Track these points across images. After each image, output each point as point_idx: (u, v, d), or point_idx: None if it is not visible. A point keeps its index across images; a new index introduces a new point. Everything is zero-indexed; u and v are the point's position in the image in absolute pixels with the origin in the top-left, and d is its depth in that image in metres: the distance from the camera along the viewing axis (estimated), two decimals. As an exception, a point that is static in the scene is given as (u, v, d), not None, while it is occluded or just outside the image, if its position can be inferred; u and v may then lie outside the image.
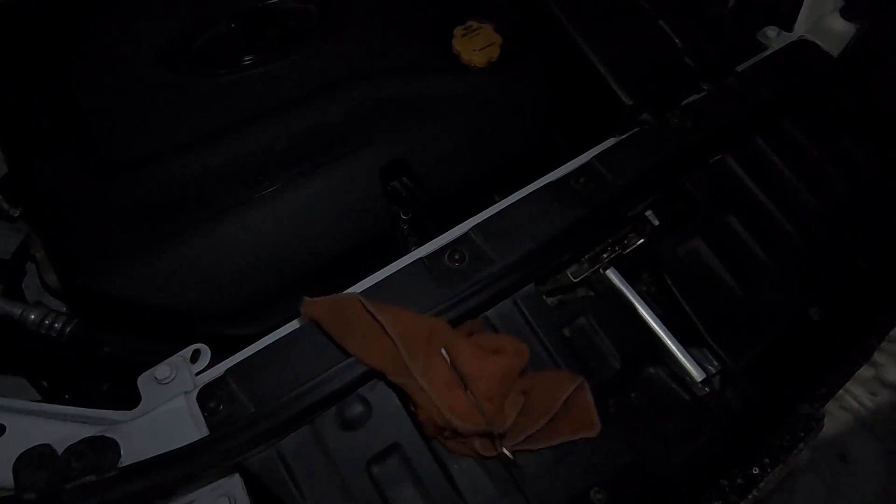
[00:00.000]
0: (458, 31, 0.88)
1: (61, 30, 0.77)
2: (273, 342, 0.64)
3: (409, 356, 0.55)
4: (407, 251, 0.86)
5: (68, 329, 0.70)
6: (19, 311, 0.69)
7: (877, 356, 1.81)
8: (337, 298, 0.61)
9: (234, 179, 0.71)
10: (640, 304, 0.72)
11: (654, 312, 0.73)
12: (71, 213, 0.66)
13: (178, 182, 0.69)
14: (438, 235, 0.90)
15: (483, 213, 0.77)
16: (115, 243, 0.65)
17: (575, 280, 0.74)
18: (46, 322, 0.70)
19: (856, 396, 1.82)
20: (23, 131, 0.70)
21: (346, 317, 0.58)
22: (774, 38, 1.03)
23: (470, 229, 0.72)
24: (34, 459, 0.52)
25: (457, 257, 0.70)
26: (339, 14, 0.84)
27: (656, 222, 0.81)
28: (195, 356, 0.67)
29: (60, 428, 0.57)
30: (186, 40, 0.78)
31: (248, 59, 0.78)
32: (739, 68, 0.93)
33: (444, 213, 0.86)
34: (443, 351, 0.56)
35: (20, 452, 0.53)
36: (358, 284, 0.71)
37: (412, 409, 0.60)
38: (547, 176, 0.82)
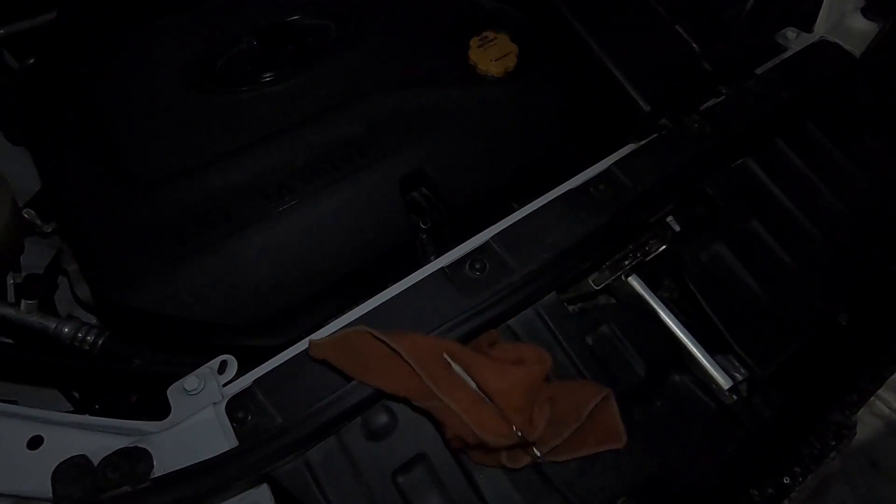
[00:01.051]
0: (474, 41, 0.88)
1: (92, 51, 0.80)
2: (298, 353, 0.65)
3: (430, 379, 0.55)
4: (426, 260, 0.87)
5: (100, 342, 0.73)
6: (54, 325, 0.71)
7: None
8: (344, 335, 0.60)
9: (258, 194, 0.72)
10: (662, 311, 0.71)
11: (678, 319, 0.73)
12: (102, 229, 0.68)
13: (204, 198, 0.71)
14: (457, 244, 0.92)
15: (503, 221, 0.77)
16: (144, 258, 0.67)
17: (596, 288, 0.74)
18: (79, 335, 0.72)
19: (888, 402, 1.77)
20: (56, 150, 0.73)
21: (358, 351, 0.58)
22: (794, 39, 1.02)
23: (490, 238, 0.73)
24: (71, 470, 0.54)
25: (478, 266, 0.70)
26: (356, 29, 0.85)
27: (678, 228, 0.80)
28: (222, 367, 0.69)
29: (95, 439, 0.59)
30: (211, 59, 0.80)
31: (269, 76, 0.80)
32: (759, 70, 0.92)
33: (463, 222, 0.87)
34: (462, 372, 0.56)
35: (58, 463, 0.55)
36: (380, 295, 0.71)
37: (440, 429, 0.59)
38: (566, 183, 0.82)
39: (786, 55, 0.95)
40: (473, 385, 0.56)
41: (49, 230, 0.92)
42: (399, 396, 0.59)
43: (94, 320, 0.95)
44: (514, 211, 0.79)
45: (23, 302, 0.69)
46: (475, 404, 0.54)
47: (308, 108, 0.78)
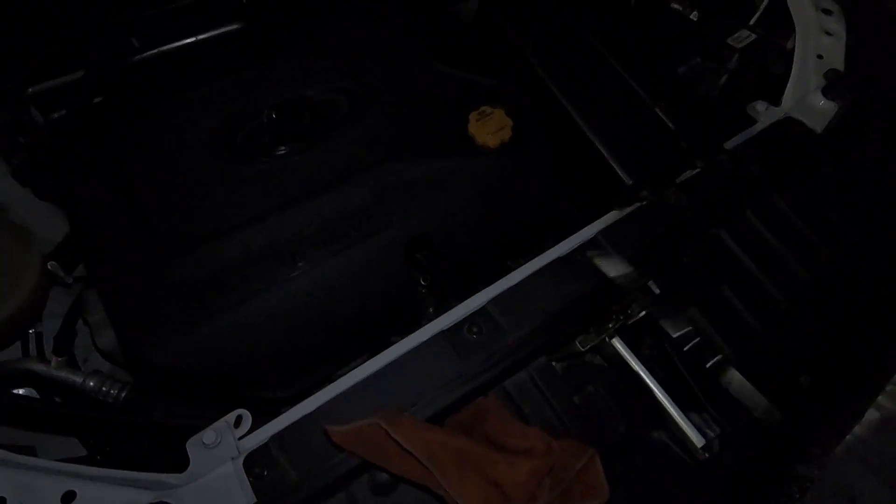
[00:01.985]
0: (473, 115, 0.97)
1: (124, 117, 0.87)
2: (310, 412, 0.71)
3: (442, 477, 0.60)
4: (425, 313, 0.94)
5: (122, 395, 0.78)
6: (81, 380, 0.76)
7: (882, 399, 1.84)
8: (360, 428, 0.64)
9: (273, 260, 0.79)
10: (643, 372, 0.78)
11: (657, 379, 0.80)
12: (131, 290, 0.74)
13: (224, 262, 0.77)
14: (454, 298, 0.98)
15: (498, 283, 0.84)
16: (169, 318, 0.73)
17: (583, 349, 0.80)
18: (104, 388, 0.77)
19: (863, 440, 1.84)
20: (89, 212, 0.79)
21: (375, 441, 0.63)
22: (763, 112, 1.12)
23: (486, 303, 0.80)
24: (104, 525, 0.59)
25: (475, 330, 0.77)
26: (366, 104, 0.94)
27: (657, 291, 0.88)
28: (238, 421, 0.74)
29: (123, 493, 0.64)
30: (233, 130, 0.87)
31: (285, 148, 0.88)
32: (730, 144, 1.02)
33: (461, 279, 0.94)
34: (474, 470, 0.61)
35: (90, 517, 0.60)
36: (385, 353, 0.78)
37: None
38: (556, 247, 0.90)
39: (754, 131, 1.05)
40: (485, 481, 0.60)
41: (70, 281, 0.98)
42: (420, 483, 0.63)
43: (110, 367, 1.00)
44: (510, 267, 0.87)
45: (54, 359, 0.75)
46: (487, 495, 0.59)
47: (320, 178, 0.86)
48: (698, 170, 0.98)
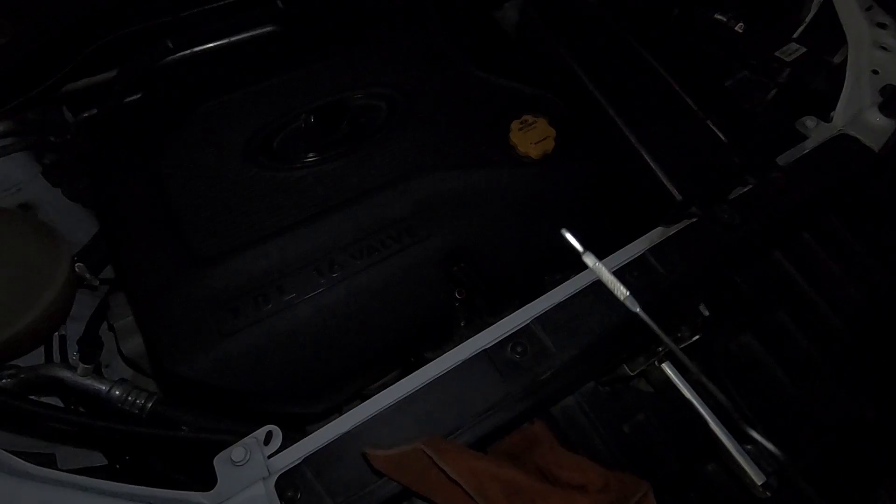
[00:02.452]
0: (514, 124, 0.94)
1: (159, 120, 0.85)
2: (345, 433, 0.67)
3: None
4: (457, 327, 0.91)
5: (149, 406, 0.75)
6: (107, 389, 0.73)
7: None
8: (403, 453, 0.60)
9: (310, 270, 0.76)
10: (696, 401, 0.74)
11: (710, 408, 0.75)
12: (163, 301, 0.71)
13: (259, 272, 0.74)
14: (488, 313, 0.94)
15: (540, 301, 0.80)
16: (201, 330, 0.70)
17: (632, 374, 0.76)
18: (129, 398, 0.74)
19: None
20: (122, 218, 0.77)
21: (418, 468, 0.59)
22: (813, 128, 1.07)
23: (531, 321, 0.76)
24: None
25: (519, 350, 0.73)
26: (405, 111, 0.91)
27: (706, 313, 0.84)
28: (268, 438, 0.70)
29: (151, 513, 0.60)
30: (269, 135, 0.85)
31: (323, 154, 0.85)
32: (781, 160, 0.97)
33: (496, 293, 0.91)
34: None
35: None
36: (423, 371, 0.74)
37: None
38: (602, 263, 0.86)
39: (808, 148, 1.00)
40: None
41: (97, 284, 0.96)
42: None
43: (132, 374, 0.97)
44: (548, 283, 0.83)
45: (80, 366, 0.72)
46: None
47: (359, 186, 0.82)
48: (750, 186, 0.94)
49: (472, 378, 0.71)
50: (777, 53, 1.18)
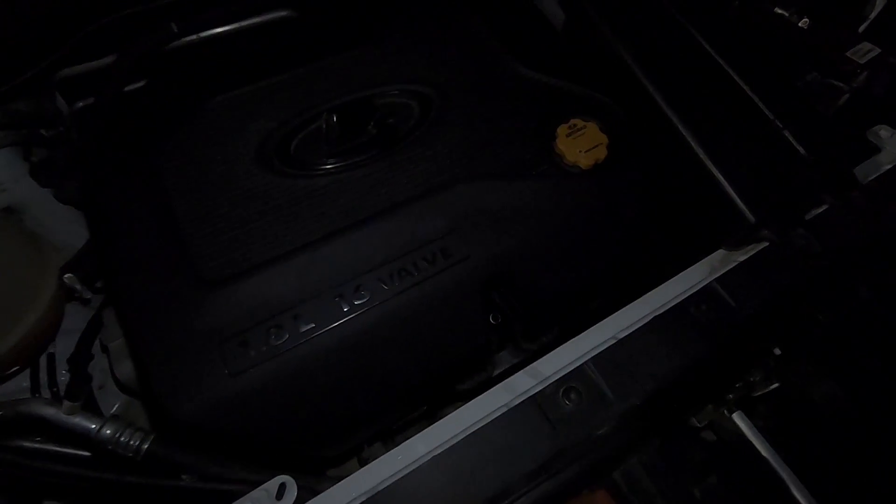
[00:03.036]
0: (561, 129, 0.83)
1: (161, 119, 0.75)
2: (373, 492, 0.58)
3: None
4: (490, 354, 0.81)
5: (144, 447, 0.65)
6: (96, 428, 0.64)
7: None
8: None
9: (332, 295, 0.66)
10: (775, 462, 0.64)
11: (790, 464, 0.65)
12: (163, 332, 0.61)
13: (275, 299, 0.64)
14: (525, 340, 0.84)
15: (591, 334, 0.70)
16: (208, 368, 0.60)
17: (699, 425, 0.66)
18: (122, 439, 0.65)
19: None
20: (118, 232, 0.67)
21: None
22: (888, 138, 0.96)
23: (585, 363, 0.66)
24: None
25: (572, 396, 0.63)
26: (440, 111, 0.80)
27: (779, 352, 0.74)
28: (280, 491, 0.61)
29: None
30: (287, 136, 0.74)
31: (347, 160, 0.74)
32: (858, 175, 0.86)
33: (536, 318, 0.81)
34: None
35: None
36: (459, 415, 0.64)
37: None
38: (659, 292, 0.76)
39: (882, 161, 0.89)
40: None
41: (89, 297, 0.86)
42: None
43: (125, 400, 0.88)
44: (597, 311, 0.73)
45: (66, 403, 0.62)
46: None
47: (388, 198, 0.72)
48: (825, 207, 0.84)
49: (519, 429, 0.61)
50: (848, 54, 1.06)
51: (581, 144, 0.82)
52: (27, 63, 0.80)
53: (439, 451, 0.60)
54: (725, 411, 0.67)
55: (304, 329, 0.64)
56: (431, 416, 0.87)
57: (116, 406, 0.86)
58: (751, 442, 0.65)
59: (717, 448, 0.67)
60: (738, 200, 0.77)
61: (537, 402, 0.63)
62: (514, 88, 0.84)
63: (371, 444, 0.78)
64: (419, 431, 0.61)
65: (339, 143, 0.75)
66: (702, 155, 0.79)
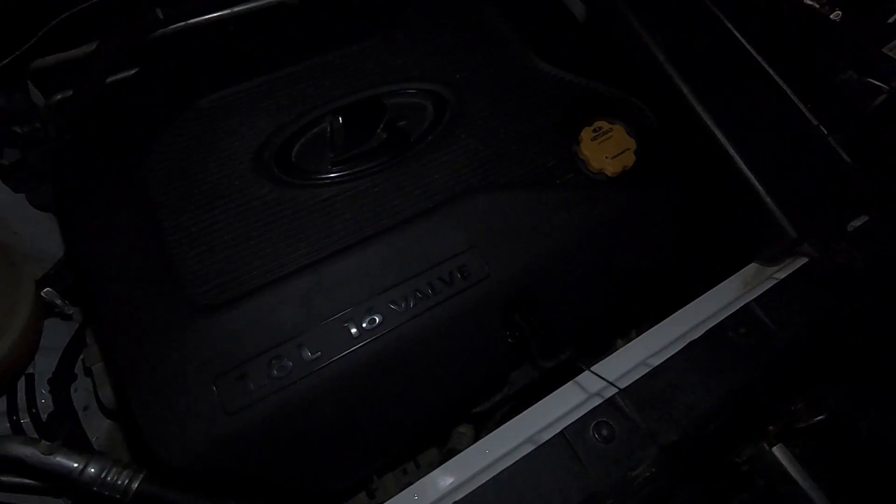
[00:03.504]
0: (586, 132, 0.76)
1: (147, 120, 0.67)
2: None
3: None
4: (507, 375, 0.76)
5: (134, 486, 0.59)
6: (79, 468, 0.57)
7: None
8: None
9: (341, 321, 0.59)
10: (820, 500, 0.59)
11: (831, 501, 0.61)
12: (151, 366, 0.55)
13: (276, 326, 0.58)
14: (542, 356, 0.79)
15: (620, 358, 0.65)
16: (201, 406, 0.54)
17: (737, 460, 0.61)
18: (109, 479, 0.58)
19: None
20: (99, 250, 0.59)
21: None
22: (927, 142, 0.90)
23: (617, 394, 0.60)
24: None
25: (604, 433, 0.58)
26: (455, 112, 0.73)
27: (821, 379, 0.69)
28: (284, 538, 0.56)
29: None
30: (288, 140, 0.67)
31: (354, 168, 0.67)
32: None
33: (556, 337, 0.75)
34: None
35: None
36: (481, 448, 0.59)
37: None
38: (689, 311, 0.70)
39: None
40: None
41: (70, 312, 0.79)
42: None
43: (108, 423, 0.82)
44: (621, 330, 0.68)
45: (43, 443, 0.56)
46: None
47: (399, 210, 0.65)
48: (866, 219, 0.78)
49: (548, 469, 0.56)
50: (885, 50, 1.00)
51: (607, 149, 0.75)
52: (-5, 55, 0.72)
53: (460, 493, 0.55)
54: (766, 445, 0.62)
55: (309, 359, 0.57)
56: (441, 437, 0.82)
57: (103, 430, 0.80)
58: (793, 478, 0.61)
59: (759, 488, 0.63)
60: (777, 212, 0.71)
61: (566, 439, 0.57)
62: (535, 87, 0.77)
63: (381, 475, 0.72)
64: (427, 457, 0.56)
65: (346, 148, 0.68)
66: (738, 161, 0.73)
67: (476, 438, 0.88)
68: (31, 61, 0.85)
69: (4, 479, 0.63)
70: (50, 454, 0.56)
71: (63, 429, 0.70)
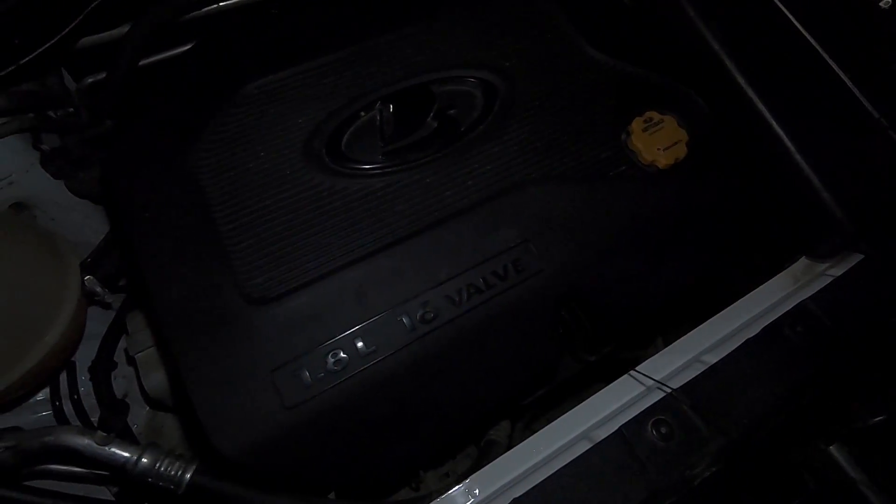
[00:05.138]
0: (637, 123, 0.74)
1: (197, 105, 0.65)
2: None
3: None
4: (556, 367, 0.75)
5: (187, 478, 0.59)
6: (133, 458, 0.57)
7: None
8: None
9: (397, 317, 0.58)
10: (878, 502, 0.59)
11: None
12: (210, 361, 0.54)
13: (332, 319, 0.57)
14: (587, 350, 0.78)
15: (674, 353, 0.64)
16: (260, 401, 0.53)
17: (795, 462, 0.61)
18: (162, 469, 0.58)
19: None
20: (152, 243, 0.58)
21: None
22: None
23: (674, 391, 0.59)
24: None
25: (663, 431, 0.57)
26: (505, 101, 0.71)
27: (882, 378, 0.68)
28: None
29: None
30: (337, 130, 0.65)
31: (405, 158, 0.65)
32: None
33: (603, 331, 0.74)
34: None
35: None
36: (534, 444, 0.59)
37: None
38: (740, 307, 0.69)
39: None
40: None
41: (110, 300, 0.78)
42: None
43: (148, 413, 0.82)
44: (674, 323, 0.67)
45: (98, 434, 0.56)
46: None
47: (452, 202, 0.64)
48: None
49: (608, 467, 0.55)
50: (938, 39, 0.97)
51: (659, 141, 0.73)
52: (33, 40, 0.70)
53: (519, 490, 0.54)
54: (822, 444, 0.62)
55: (365, 353, 0.56)
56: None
57: (143, 418, 0.80)
58: (851, 477, 0.60)
59: (813, 490, 0.62)
60: (834, 206, 0.69)
61: (624, 437, 0.57)
62: (585, 75, 0.75)
63: (426, 469, 0.72)
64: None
65: (396, 137, 0.66)
66: (794, 153, 0.71)
67: (512, 429, 0.88)
68: (68, 45, 0.83)
69: (55, 467, 0.63)
70: (105, 445, 0.56)
71: (119, 420, 0.70)
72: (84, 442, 0.56)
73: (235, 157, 0.62)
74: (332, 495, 0.65)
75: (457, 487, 0.57)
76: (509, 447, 0.61)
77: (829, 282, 0.68)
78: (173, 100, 0.67)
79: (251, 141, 0.63)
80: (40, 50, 0.70)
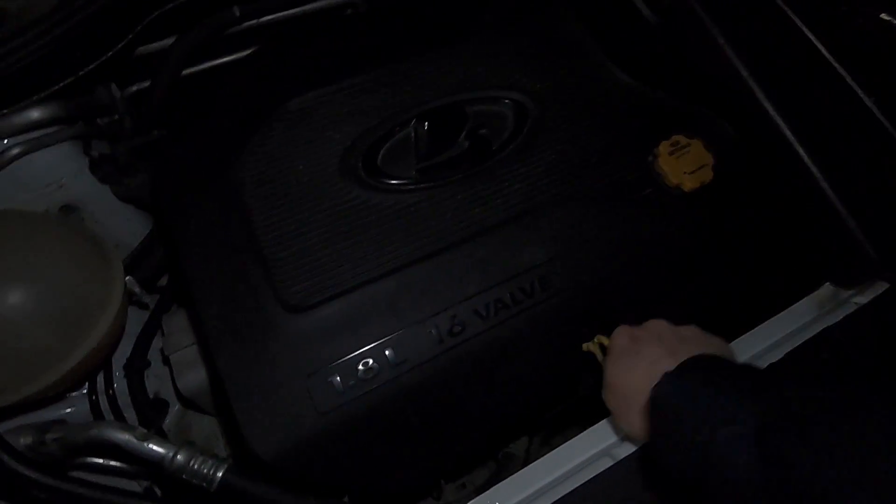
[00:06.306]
0: (663, 146, 0.76)
1: (241, 121, 0.69)
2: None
3: None
4: (578, 381, 0.76)
5: (218, 476, 0.61)
6: (170, 455, 0.60)
7: None
8: None
9: (425, 327, 0.60)
10: None
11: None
12: (250, 366, 0.56)
13: (365, 328, 0.59)
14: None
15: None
16: (296, 405, 0.56)
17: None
18: (196, 467, 0.61)
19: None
20: (196, 252, 0.61)
21: None
22: None
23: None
24: None
25: (684, 451, 0.58)
26: (535, 122, 0.73)
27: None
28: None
29: None
30: (373, 147, 0.68)
31: (438, 175, 0.68)
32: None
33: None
34: None
35: None
36: (560, 456, 0.60)
37: None
38: (761, 332, 0.70)
39: None
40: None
41: (147, 301, 0.82)
42: None
43: (179, 411, 0.84)
44: None
45: (139, 429, 0.58)
46: None
47: (482, 219, 0.66)
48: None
49: (628, 486, 0.56)
50: (968, 69, 0.97)
51: (685, 165, 0.75)
52: (89, 54, 0.74)
53: (540, 504, 0.56)
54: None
55: (395, 362, 0.59)
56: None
57: (172, 416, 0.82)
58: None
59: None
60: (859, 233, 0.70)
61: (646, 455, 0.58)
62: (613, 98, 0.77)
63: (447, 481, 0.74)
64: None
65: (429, 154, 0.69)
66: (820, 180, 0.72)
67: (529, 443, 0.89)
68: (123, 57, 0.87)
69: (93, 460, 0.65)
70: (144, 441, 0.59)
71: (161, 418, 0.73)
72: (125, 437, 0.59)
73: (276, 171, 0.65)
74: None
75: (477, 499, 0.58)
76: (526, 461, 0.63)
77: (854, 309, 0.69)
78: (219, 113, 0.71)
79: (291, 155, 0.66)
80: (98, 62, 0.74)
